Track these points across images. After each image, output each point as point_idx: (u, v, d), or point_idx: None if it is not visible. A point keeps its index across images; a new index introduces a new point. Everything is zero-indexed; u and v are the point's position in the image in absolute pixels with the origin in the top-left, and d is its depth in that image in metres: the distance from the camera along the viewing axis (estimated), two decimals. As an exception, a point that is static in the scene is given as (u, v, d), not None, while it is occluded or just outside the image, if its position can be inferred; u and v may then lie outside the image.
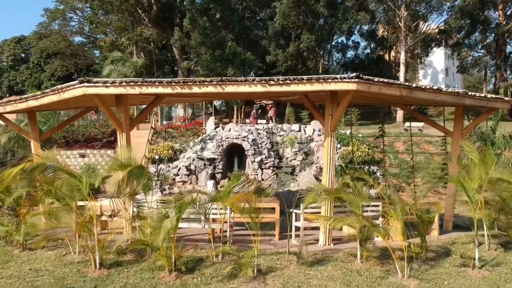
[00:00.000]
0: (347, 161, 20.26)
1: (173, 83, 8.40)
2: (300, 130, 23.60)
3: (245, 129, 22.45)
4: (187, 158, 20.99)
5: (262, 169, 20.28)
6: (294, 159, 21.16)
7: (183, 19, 36.59)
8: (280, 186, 19.81)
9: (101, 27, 45.83)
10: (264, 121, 26.53)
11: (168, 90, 8.47)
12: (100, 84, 8.53)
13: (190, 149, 22.40)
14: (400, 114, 38.13)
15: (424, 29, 40.19)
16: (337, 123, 9.18)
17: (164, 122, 33.82)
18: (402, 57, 38.92)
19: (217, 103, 48.60)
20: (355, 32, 45.55)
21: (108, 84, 8.52)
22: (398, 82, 8.86)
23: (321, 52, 44.98)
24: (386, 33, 45.20)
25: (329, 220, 7.39)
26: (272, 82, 8.30)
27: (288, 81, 8.27)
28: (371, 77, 8.53)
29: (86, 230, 7.56)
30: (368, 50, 52.70)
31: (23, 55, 60.78)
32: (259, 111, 27.69)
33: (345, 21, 36.38)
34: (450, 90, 9.77)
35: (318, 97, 10.46)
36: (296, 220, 9.90)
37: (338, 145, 22.14)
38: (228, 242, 9.45)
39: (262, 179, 19.92)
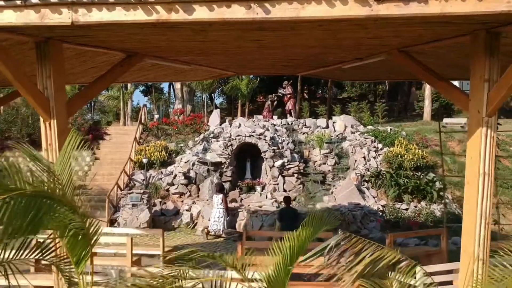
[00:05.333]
0: (395, 166, 15.46)
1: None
2: (328, 126, 18.77)
3: (260, 124, 17.60)
4: (185, 162, 16.13)
5: (283, 177, 15.44)
6: (324, 164, 16.31)
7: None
8: (308, 199, 15.00)
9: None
10: (276, 117, 21.54)
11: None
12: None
13: (190, 150, 17.54)
14: (427, 110, 33.23)
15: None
16: (504, 100, 4.35)
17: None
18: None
19: (217, 100, 43.94)
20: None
21: (-1, 3, 3.71)
22: None
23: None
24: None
25: None
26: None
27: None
28: None
29: None
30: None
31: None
32: (275, 103, 22.74)
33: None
34: None
35: (426, 55, 5.67)
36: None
37: (380, 145, 17.33)
38: None
39: (284, 190, 15.11)
